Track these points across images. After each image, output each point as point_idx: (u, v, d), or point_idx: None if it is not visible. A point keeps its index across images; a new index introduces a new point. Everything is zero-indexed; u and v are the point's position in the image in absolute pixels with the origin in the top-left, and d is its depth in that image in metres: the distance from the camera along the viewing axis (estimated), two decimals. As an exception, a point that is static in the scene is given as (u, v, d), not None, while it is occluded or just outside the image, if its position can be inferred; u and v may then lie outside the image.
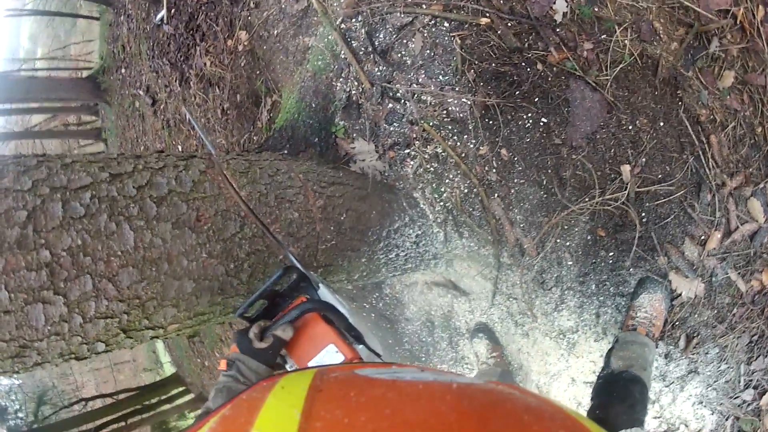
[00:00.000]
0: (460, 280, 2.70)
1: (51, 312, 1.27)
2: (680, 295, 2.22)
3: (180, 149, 4.48)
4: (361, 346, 1.42)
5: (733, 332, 2.18)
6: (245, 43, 3.23)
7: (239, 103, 3.55)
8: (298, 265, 1.50)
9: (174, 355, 9.75)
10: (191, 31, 3.86)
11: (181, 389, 8.85)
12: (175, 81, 4.20)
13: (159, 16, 4.15)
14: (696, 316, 2.22)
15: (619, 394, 1.93)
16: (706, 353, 2.23)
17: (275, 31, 2.88)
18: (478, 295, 2.68)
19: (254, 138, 3.41)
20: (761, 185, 2.09)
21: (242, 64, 3.37)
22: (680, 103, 2.11)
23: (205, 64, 3.74)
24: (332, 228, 2.04)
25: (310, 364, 1.33)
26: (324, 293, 1.50)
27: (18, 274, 1.21)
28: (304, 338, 1.36)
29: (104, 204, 1.38)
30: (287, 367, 1.39)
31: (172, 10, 4.01)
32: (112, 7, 5.31)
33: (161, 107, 4.67)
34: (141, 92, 4.96)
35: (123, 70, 5.36)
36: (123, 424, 7.04)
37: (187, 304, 1.55)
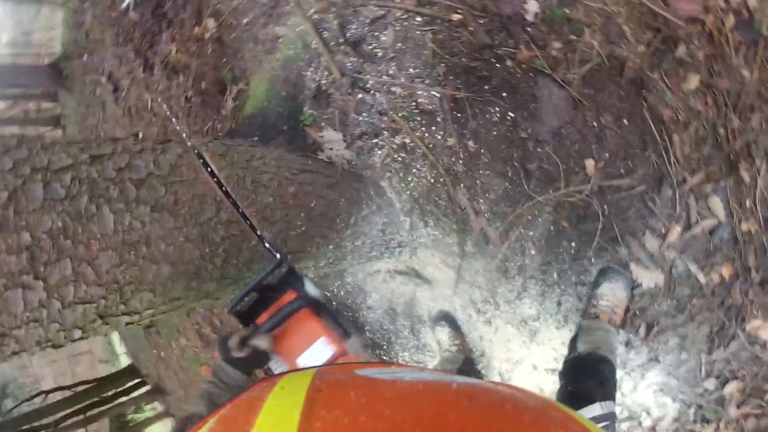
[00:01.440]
0: (424, 269, 2.74)
1: (30, 297, 1.23)
2: (640, 285, 2.28)
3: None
4: (350, 340, 1.42)
5: (693, 322, 2.24)
6: (213, 31, 3.21)
7: (204, 91, 3.51)
8: (276, 255, 1.54)
9: (129, 346, 9.60)
10: (157, 18, 3.81)
11: (137, 381, 8.74)
12: (139, 68, 4.12)
13: (125, 3, 4.09)
14: (656, 306, 2.28)
15: (588, 372, 1.97)
16: (666, 342, 2.29)
17: (245, 20, 2.88)
18: (440, 284, 2.72)
19: (218, 126, 3.38)
20: (722, 183, 2.14)
21: (208, 52, 3.34)
22: (645, 102, 2.17)
23: (170, 51, 3.69)
24: (303, 214, 2.06)
25: (299, 359, 1.34)
26: (309, 287, 1.49)
27: None
28: (293, 334, 1.37)
29: (84, 186, 1.35)
30: (272, 365, 1.38)
31: None
32: (78, -7, 5.21)
33: (123, 94, 4.58)
34: (103, 79, 4.85)
35: (85, 57, 5.25)
36: (82, 416, 6.92)
37: (163, 289, 1.54)
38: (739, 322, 2.16)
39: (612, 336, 2.15)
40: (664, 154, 2.17)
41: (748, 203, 2.09)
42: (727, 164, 2.12)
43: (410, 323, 3.00)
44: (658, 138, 2.17)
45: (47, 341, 1.33)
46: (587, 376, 1.95)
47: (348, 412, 0.56)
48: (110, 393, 7.86)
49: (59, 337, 1.34)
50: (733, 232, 2.15)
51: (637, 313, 2.32)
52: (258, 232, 1.74)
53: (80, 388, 7.47)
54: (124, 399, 8.25)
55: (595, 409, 1.77)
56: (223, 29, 3.12)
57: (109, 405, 7.58)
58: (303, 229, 2.06)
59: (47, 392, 7.36)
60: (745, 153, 2.09)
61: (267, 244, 1.60)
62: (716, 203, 2.16)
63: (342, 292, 3.21)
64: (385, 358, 3.22)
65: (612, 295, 2.24)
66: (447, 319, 2.74)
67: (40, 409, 6.76)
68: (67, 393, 7.24)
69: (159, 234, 1.49)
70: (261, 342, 1.28)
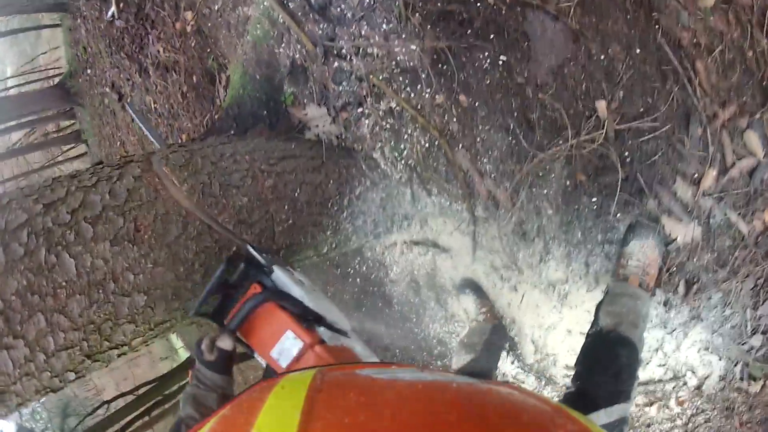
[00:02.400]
0: (439, 237, 2.60)
1: (15, 356, 1.31)
2: (675, 239, 2.09)
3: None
4: (321, 328, 1.43)
5: (736, 276, 2.05)
6: (191, 23, 3.14)
7: (196, 84, 3.50)
8: (254, 253, 1.50)
9: (186, 339, 9.85)
10: (141, 21, 3.81)
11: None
12: (135, 73, 4.15)
13: (110, 13, 4.12)
14: (695, 260, 2.08)
15: (603, 362, 1.82)
16: (709, 299, 2.10)
17: (216, 6, 2.77)
18: (458, 251, 2.58)
19: (215, 116, 3.36)
20: (757, 116, 1.91)
21: (192, 45, 3.29)
22: (657, 26, 1.89)
23: (158, 51, 3.68)
24: (286, 207, 1.95)
25: (271, 354, 1.34)
26: (278, 276, 1.47)
27: None
28: (262, 329, 1.38)
29: (41, 238, 1.39)
30: (255, 356, 1.40)
31: (121, 4, 3.96)
32: (69, 11, 5.29)
33: (128, 101, 4.64)
34: (107, 89, 4.94)
35: (88, 71, 5.36)
36: (147, 418, 7.05)
37: (143, 317, 1.55)
38: None
39: (641, 303, 1.97)
40: (688, 86, 1.90)
41: None
42: (760, 92, 1.88)
43: (435, 294, 2.91)
44: (679, 67, 1.89)
45: (45, 388, 1.41)
46: (601, 369, 1.80)
47: (348, 412, 0.57)
48: (174, 388, 8.00)
49: (54, 383, 1.42)
50: None
51: (675, 270, 2.12)
52: (232, 234, 1.71)
53: (141, 390, 7.58)
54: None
55: (600, 418, 1.63)
56: (200, 20, 3.04)
57: (173, 401, 7.73)
58: (290, 222, 1.96)
59: (109, 402, 7.51)
60: None
61: (249, 246, 1.55)
62: (753, 139, 1.94)
63: (364, 268, 3.18)
64: (416, 330, 3.19)
65: (642, 253, 2.04)
66: (471, 286, 2.61)
67: (106, 419, 6.89)
68: (130, 398, 7.36)
69: (124, 266, 1.50)
70: (223, 343, 1.30)
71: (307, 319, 1.41)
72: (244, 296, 1.44)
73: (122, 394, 7.85)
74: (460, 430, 0.53)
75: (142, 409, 7.25)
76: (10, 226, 1.36)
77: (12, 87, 7.40)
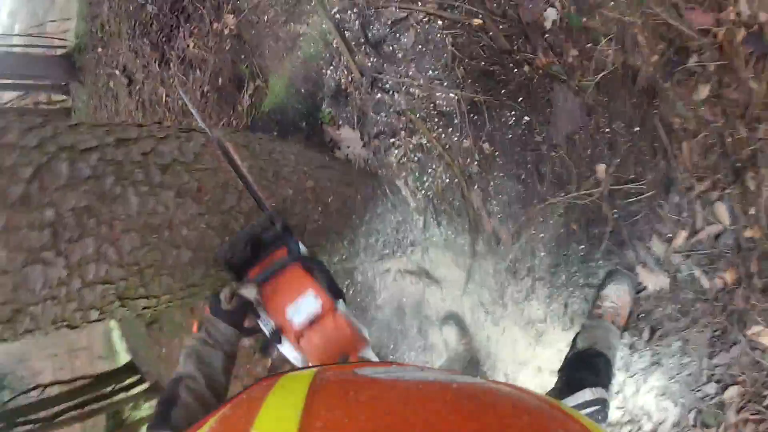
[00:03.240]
0: (434, 269, 2.78)
1: (50, 274, 1.22)
2: (646, 288, 2.33)
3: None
4: (340, 300, 1.43)
5: (695, 326, 2.27)
6: (232, 27, 3.26)
7: (220, 87, 3.55)
8: (277, 223, 1.53)
9: (130, 343, 9.57)
10: (176, 12, 3.84)
11: (136, 378, 8.74)
12: (155, 62, 4.16)
13: None
14: (660, 309, 2.32)
15: (583, 364, 2.01)
16: (669, 346, 2.32)
17: (266, 17, 2.93)
18: (450, 284, 2.76)
19: (233, 122, 3.43)
20: (727, 191, 2.18)
21: (227, 48, 3.39)
22: (656, 111, 2.22)
23: (188, 45, 3.74)
24: (320, 209, 2.10)
25: (287, 310, 1.35)
26: (303, 249, 1.53)
27: (19, 233, 1.16)
28: (282, 288, 1.38)
29: (110, 167, 1.36)
30: (260, 322, 1.39)
31: None
32: (93, -16, 5.22)
33: (137, 88, 4.61)
34: (117, 72, 4.89)
35: (100, 49, 5.25)
36: (79, 412, 6.93)
37: (182, 274, 1.54)
38: (740, 327, 2.20)
39: (612, 334, 2.19)
40: (673, 162, 2.22)
41: (752, 211, 2.14)
42: (733, 172, 2.17)
43: (418, 323, 3.03)
44: (668, 145, 2.22)
45: (63, 321, 1.32)
46: (582, 368, 1.99)
47: (348, 411, 0.57)
48: (108, 389, 7.87)
49: (75, 318, 1.34)
50: (737, 239, 2.19)
51: (642, 316, 2.36)
52: (255, 193, 1.74)
53: (78, 383, 7.47)
54: (122, 396, 8.27)
55: (585, 395, 1.79)
56: (243, 26, 3.17)
57: (107, 401, 7.60)
58: (320, 223, 2.11)
59: (45, 386, 7.36)
60: (751, 162, 2.14)
61: (264, 205, 1.63)
62: (721, 210, 2.20)
63: (350, 291, 3.24)
64: (391, 357, 3.23)
65: (616, 296, 2.28)
66: (455, 319, 2.79)
67: (37, 402, 6.77)
68: (66, 387, 7.24)
69: (182, 219, 1.50)
70: (247, 291, 1.30)
71: (332, 290, 1.41)
72: (271, 255, 1.47)
73: (59, 381, 7.70)
74: (461, 430, 0.54)
75: (75, 402, 7.15)
76: (78, 146, 1.32)
77: (17, 45, 7.24)
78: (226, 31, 3.34)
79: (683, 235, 2.25)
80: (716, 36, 2.11)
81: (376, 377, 0.72)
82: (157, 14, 4.05)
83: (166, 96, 4.15)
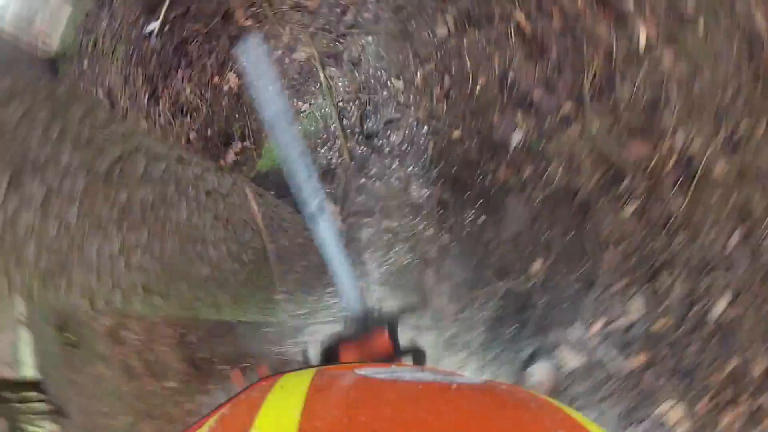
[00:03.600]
0: None
1: (104, 246, 1.32)
2: (566, 365, 2.61)
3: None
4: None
5: (607, 402, 2.56)
6: (233, 86, 3.53)
7: (208, 138, 3.68)
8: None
9: (41, 360, 9.23)
10: (179, 54, 3.96)
11: (42, 397, 8.52)
12: (144, 95, 4.20)
13: (150, 28, 4.17)
14: (576, 385, 2.61)
15: None
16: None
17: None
18: None
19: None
20: (643, 288, 2.50)
21: (224, 104, 3.60)
22: (589, 222, 2.60)
23: (184, 89, 3.89)
24: (305, 264, 2.43)
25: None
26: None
27: (95, 201, 1.28)
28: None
29: (172, 178, 1.56)
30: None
31: (166, 27, 4.08)
32: (95, -3, 5.17)
33: (118, 116, 4.47)
34: (101, 93, 4.84)
35: (86, 63, 5.14)
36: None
37: (196, 285, 1.71)
38: (649, 404, 2.49)
39: None
40: (598, 263, 2.56)
41: (664, 305, 2.47)
42: (649, 273, 2.50)
43: None
44: (595, 251, 2.59)
45: (90, 294, 1.38)
46: None
47: (348, 411, 0.57)
48: (8, 395, 7.69)
49: (101, 294, 1.40)
50: (648, 328, 2.49)
51: (562, 390, 2.63)
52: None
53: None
54: (22, 407, 8.04)
55: None
56: (244, 88, 3.46)
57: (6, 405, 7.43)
58: (300, 275, 2.42)
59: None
60: (667, 265, 2.47)
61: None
62: (636, 303, 2.52)
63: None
64: None
65: (540, 374, 2.57)
66: None
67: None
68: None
69: (212, 238, 1.72)
70: None
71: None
72: (368, 339, 1.39)
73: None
74: (461, 431, 0.53)
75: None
76: (152, 150, 1.48)
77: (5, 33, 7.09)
78: (226, 88, 3.57)
79: (600, 323, 2.56)
80: (649, 163, 2.48)
81: (376, 377, 0.72)
82: (159, 51, 4.14)
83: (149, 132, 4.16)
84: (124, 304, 1.51)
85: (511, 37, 2.74)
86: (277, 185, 2.97)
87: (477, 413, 0.58)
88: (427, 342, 2.91)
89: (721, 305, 2.50)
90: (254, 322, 3.38)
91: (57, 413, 8.52)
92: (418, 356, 1.43)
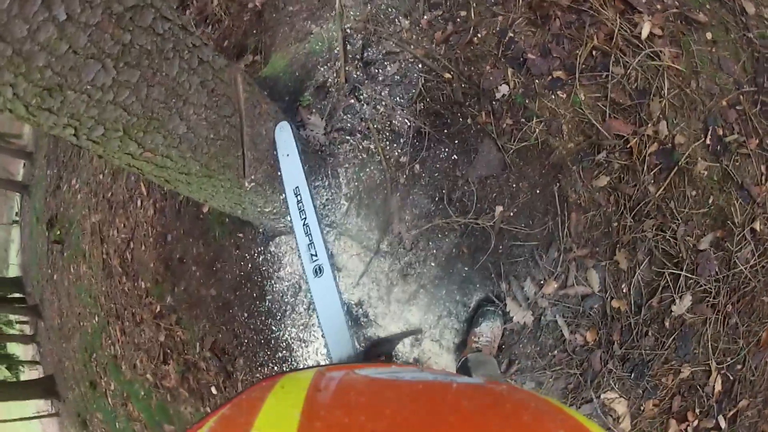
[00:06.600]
0: (339, 254, 3.12)
1: (99, 75, 1.40)
2: (511, 320, 2.61)
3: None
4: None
5: (551, 371, 2.56)
6: (257, 4, 3.75)
7: (223, 48, 3.93)
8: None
9: (25, 257, 9.42)
10: None
11: (18, 296, 8.70)
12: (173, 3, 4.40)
13: None
14: (520, 345, 2.62)
15: None
16: (523, 384, 2.56)
17: (291, 8, 3.47)
18: (348, 273, 3.08)
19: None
20: (602, 263, 2.51)
21: (245, 19, 3.82)
22: (558, 183, 2.66)
23: (212, 1, 4.14)
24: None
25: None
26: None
27: (101, 33, 1.36)
28: None
29: (173, 37, 1.66)
30: None
31: None
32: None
33: None
34: None
35: None
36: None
37: (170, 141, 1.84)
38: (594, 387, 2.49)
39: (496, 366, 2.44)
40: (559, 225, 2.60)
41: (622, 287, 2.49)
42: (611, 249, 2.53)
43: (308, 301, 3.27)
44: (559, 211, 2.62)
45: (76, 120, 1.48)
46: None
47: (348, 411, 0.58)
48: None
49: (86, 123, 1.51)
50: (603, 305, 2.50)
51: (504, 347, 2.65)
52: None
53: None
54: None
55: None
56: (268, 6, 3.67)
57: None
58: (270, 168, 2.57)
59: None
60: (630, 246, 2.50)
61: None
62: (593, 276, 2.52)
63: (260, 258, 3.44)
64: (273, 328, 3.37)
65: (490, 331, 2.55)
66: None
67: None
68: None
69: (194, 101, 1.83)
70: None
71: None
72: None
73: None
74: (461, 430, 0.54)
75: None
76: (163, 7, 1.56)
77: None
78: (251, 5, 3.80)
79: (554, 285, 2.58)
80: (628, 143, 2.54)
81: (376, 377, 0.73)
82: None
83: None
84: (104, 141, 1.63)
85: (519, 2, 2.95)
86: (271, 89, 3.17)
87: (477, 413, 0.59)
88: (380, 268, 3.03)
89: (684, 304, 2.54)
90: (226, 223, 3.58)
91: (31, 311, 8.72)
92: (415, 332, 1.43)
